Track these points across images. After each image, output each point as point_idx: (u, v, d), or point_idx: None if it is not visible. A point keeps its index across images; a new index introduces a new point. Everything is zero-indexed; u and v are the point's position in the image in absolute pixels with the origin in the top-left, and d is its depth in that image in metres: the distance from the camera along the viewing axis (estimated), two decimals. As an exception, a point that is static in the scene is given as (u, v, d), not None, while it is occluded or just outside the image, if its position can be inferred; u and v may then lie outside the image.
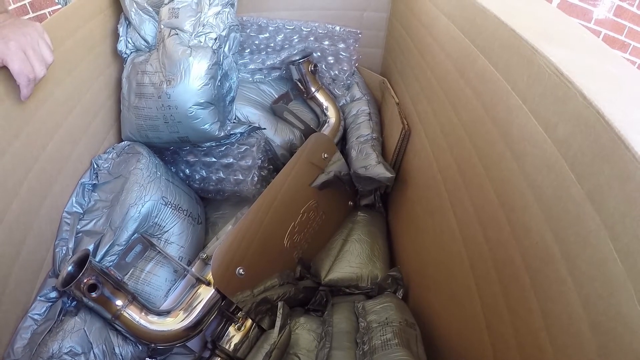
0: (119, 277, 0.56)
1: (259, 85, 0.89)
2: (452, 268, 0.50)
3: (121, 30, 0.75)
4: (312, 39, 0.87)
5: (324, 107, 0.89)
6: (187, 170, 0.80)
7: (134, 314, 0.55)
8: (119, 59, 0.78)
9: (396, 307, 0.55)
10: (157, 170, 0.69)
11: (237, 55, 0.82)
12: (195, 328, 0.57)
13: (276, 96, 0.89)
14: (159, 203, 0.65)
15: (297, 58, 0.85)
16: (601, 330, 0.26)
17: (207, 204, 0.82)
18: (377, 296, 0.62)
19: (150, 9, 0.72)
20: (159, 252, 0.63)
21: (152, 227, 0.64)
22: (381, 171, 0.71)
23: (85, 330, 0.53)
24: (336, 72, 0.91)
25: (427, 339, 0.53)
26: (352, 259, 0.70)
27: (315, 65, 0.87)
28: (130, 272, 0.62)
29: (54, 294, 0.56)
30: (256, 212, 0.63)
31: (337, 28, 0.87)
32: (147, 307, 0.56)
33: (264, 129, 0.80)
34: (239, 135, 0.76)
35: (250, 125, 0.77)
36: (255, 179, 0.76)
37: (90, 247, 0.58)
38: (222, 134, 0.73)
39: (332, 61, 0.90)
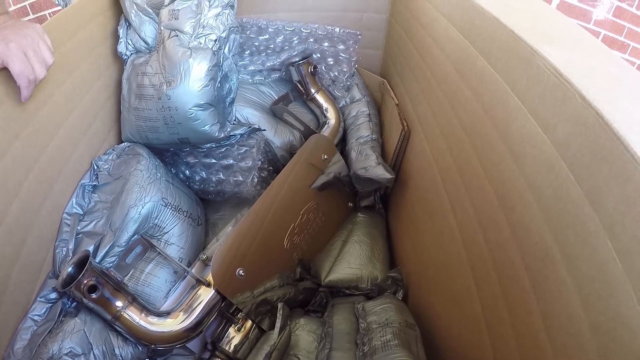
0: (119, 278, 0.56)
1: (258, 87, 0.89)
2: (452, 269, 0.50)
3: (121, 31, 0.75)
4: (311, 40, 0.87)
5: (324, 108, 0.89)
6: (187, 171, 0.80)
7: (134, 315, 0.55)
8: (119, 61, 0.78)
9: (396, 308, 0.55)
10: (157, 172, 0.69)
11: (237, 57, 0.82)
12: (195, 329, 0.57)
13: (276, 97, 0.89)
14: (159, 204, 0.65)
15: (297, 59, 0.86)
16: (601, 331, 0.26)
17: (207, 205, 0.82)
18: (377, 297, 0.62)
19: (150, 10, 0.72)
20: (159, 253, 0.63)
21: (152, 228, 0.64)
22: (381, 172, 0.71)
23: (85, 331, 0.53)
24: (336, 73, 0.91)
25: (427, 339, 0.53)
26: (352, 260, 0.70)
27: (315, 67, 0.87)
28: (130, 273, 0.62)
29: (54, 295, 0.56)
30: (256, 214, 0.63)
31: (337, 29, 0.87)
32: (147, 308, 0.56)
33: (264, 130, 0.81)
34: (238, 137, 0.76)
35: (250, 127, 0.77)
36: (255, 180, 0.76)
37: (91, 248, 0.58)
38: (222, 135, 0.73)
39: (331, 62, 0.90)
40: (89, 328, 0.54)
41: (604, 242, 0.26)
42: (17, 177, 0.52)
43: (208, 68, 0.67)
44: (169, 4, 0.71)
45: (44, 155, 0.57)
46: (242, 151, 0.77)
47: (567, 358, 0.29)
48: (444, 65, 0.58)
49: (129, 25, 0.75)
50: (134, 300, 0.56)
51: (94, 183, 0.66)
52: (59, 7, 1.64)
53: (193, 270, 0.61)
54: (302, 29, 0.87)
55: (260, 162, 0.77)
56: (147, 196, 0.64)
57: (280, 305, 0.58)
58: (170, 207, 0.66)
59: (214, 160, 0.78)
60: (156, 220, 0.64)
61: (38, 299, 0.55)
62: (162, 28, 0.70)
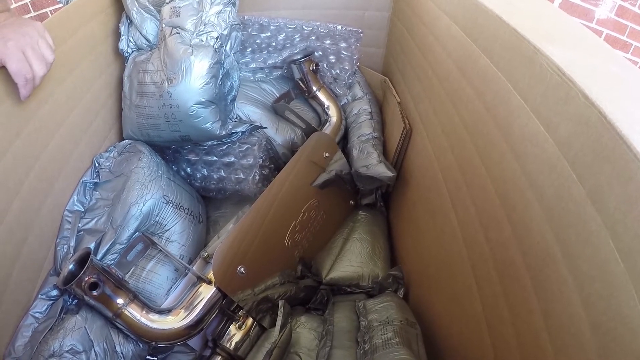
0: (120, 276, 0.57)
1: (260, 84, 0.89)
2: (453, 268, 0.50)
3: (122, 29, 0.75)
4: (313, 38, 0.87)
5: (326, 106, 0.89)
6: (188, 169, 0.80)
7: (135, 313, 0.55)
8: (121, 58, 0.78)
9: (397, 306, 0.55)
10: (158, 169, 0.69)
11: (238, 54, 0.82)
12: (196, 326, 0.57)
13: (277, 95, 0.89)
14: (160, 201, 0.65)
15: (299, 57, 0.85)
16: (602, 331, 0.26)
17: (208, 203, 0.82)
18: (378, 295, 0.62)
19: (151, 7, 0.72)
20: (160, 250, 0.63)
21: (153, 225, 0.64)
22: (382, 170, 0.71)
23: (86, 329, 0.53)
24: (337, 71, 0.91)
25: (428, 338, 0.53)
26: (353, 258, 0.70)
27: (317, 65, 0.87)
28: (131, 270, 0.62)
29: (55, 292, 0.56)
30: (257, 211, 0.63)
31: (339, 27, 0.87)
32: (148, 306, 0.57)
33: (266, 127, 0.81)
34: (240, 134, 0.76)
35: (251, 124, 0.77)
36: (257, 177, 0.76)
37: (92, 246, 0.58)
38: (224, 132, 0.73)
39: (333, 60, 0.90)
40: (90, 325, 0.54)
41: (606, 242, 0.26)
42: (18, 175, 0.52)
43: (209, 65, 0.67)
44: (170, 2, 0.71)
45: (44, 154, 0.57)
46: (244, 149, 0.77)
47: (567, 357, 0.29)
48: (446, 64, 0.58)
49: (130, 22, 0.75)
50: (135, 297, 0.56)
51: (95, 180, 0.66)
52: (60, 5, 1.64)
53: (194, 268, 0.61)
54: (303, 26, 0.87)
55: (261, 160, 0.77)
56: (148, 193, 0.64)
57: (281, 303, 0.58)
58: (171, 205, 0.66)
59: (215, 158, 0.78)
60: (157, 218, 0.65)
61: (39, 296, 0.55)
62: (164, 25, 0.70)
